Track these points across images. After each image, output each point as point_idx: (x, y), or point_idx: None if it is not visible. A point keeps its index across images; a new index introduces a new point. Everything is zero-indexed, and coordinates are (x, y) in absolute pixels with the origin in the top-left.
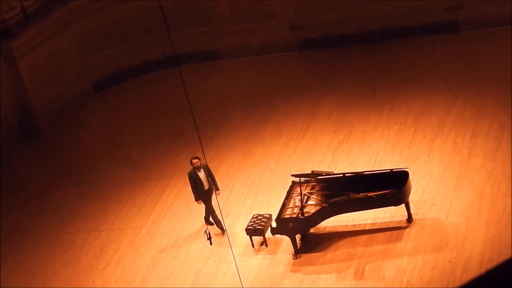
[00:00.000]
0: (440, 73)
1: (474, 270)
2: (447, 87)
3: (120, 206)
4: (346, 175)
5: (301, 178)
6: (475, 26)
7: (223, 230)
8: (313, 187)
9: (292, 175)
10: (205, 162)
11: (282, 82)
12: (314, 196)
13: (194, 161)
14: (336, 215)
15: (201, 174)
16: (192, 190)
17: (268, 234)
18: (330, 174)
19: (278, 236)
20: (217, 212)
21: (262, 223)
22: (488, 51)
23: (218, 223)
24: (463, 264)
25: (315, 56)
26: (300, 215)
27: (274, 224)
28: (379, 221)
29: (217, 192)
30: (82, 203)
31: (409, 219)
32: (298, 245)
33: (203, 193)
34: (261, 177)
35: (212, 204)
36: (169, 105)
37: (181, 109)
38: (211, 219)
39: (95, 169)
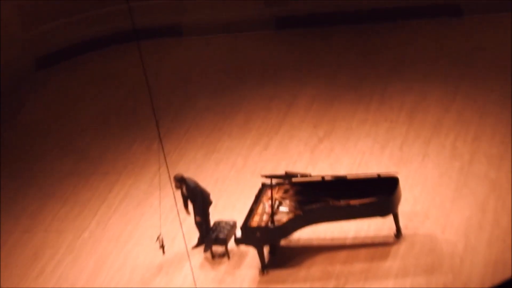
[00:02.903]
0: (438, 62)
1: None
2: (446, 79)
3: (59, 203)
4: (326, 178)
5: (273, 180)
6: (479, 9)
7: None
8: (286, 191)
9: (263, 176)
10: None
11: (254, 66)
12: (287, 202)
13: (174, 183)
14: (312, 225)
15: (185, 191)
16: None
17: (231, 244)
18: (306, 177)
19: (243, 247)
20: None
21: (225, 231)
22: (494, 38)
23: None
24: None
25: (294, 36)
26: (270, 224)
27: (238, 233)
28: (362, 234)
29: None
30: (16, 197)
31: (398, 233)
32: (266, 259)
33: None
34: (225, 176)
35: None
36: (123, 87)
37: (137, 92)
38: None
39: (33, 158)
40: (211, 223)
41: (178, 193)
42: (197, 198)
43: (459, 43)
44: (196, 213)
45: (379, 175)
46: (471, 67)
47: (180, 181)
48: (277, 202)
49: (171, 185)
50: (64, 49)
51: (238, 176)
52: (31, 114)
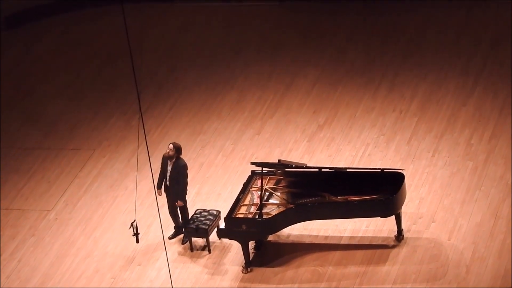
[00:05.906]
0: (458, 48)
1: None
2: (466, 68)
3: (24, 179)
4: (323, 170)
5: (264, 168)
6: None
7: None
8: (278, 182)
9: (253, 163)
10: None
11: (252, 39)
12: (279, 194)
13: (169, 146)
14: (304, 221)
15: (170, 167)
16: (159, 174)
17: (213, 236)
18: (302, 167)
19: (226, 240)
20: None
21: (207, 222)
22: None
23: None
24: None
25: (298, 9)
26: (257, 216)
27: (222, 225)
28: (359, 234)
29: (177, 203)
30: None
31: (399, 236)
32: (251, 255)
33: (166, 187)
34: (211, 161)
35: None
36: (100, 54)
37: (116, 60)
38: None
39: None
40: (193, 212)
41: (157, 176)
42: (182, 180)
43: (484, 29)
44: (179, 197)
45: (383, 170)
46: (495, 56)
47: (177, 151)
48: (267, 193)
49: (150, 167)
50: (35, 8)
51: (226, 161)
52: None
